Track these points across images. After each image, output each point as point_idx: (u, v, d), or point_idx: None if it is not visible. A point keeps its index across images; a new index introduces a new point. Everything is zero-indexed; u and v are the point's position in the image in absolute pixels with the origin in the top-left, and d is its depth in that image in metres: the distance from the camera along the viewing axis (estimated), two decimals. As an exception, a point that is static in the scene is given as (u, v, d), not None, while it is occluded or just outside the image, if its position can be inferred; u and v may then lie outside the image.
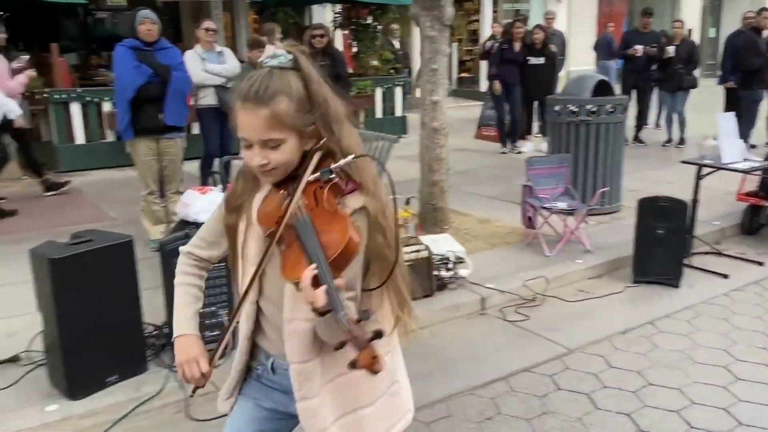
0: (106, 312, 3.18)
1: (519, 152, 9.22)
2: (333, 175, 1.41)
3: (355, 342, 1.23)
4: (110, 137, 8.54)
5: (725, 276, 4.88)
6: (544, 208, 5.22)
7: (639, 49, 9.60)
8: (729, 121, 5.20)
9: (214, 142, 6.91)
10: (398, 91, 10.32)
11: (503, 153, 9.33)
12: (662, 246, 4.70)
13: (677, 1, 19.96)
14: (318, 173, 1.41)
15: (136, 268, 3.31)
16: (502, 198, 6.81)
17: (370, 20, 10.80)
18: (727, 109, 9.62)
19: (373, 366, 1.23)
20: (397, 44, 12.31)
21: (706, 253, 5.35)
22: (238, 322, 1.60)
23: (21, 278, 4.75)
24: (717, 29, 21.34)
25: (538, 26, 9.23)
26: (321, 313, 1.29)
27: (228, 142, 7.15)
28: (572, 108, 5.96)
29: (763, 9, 9.00)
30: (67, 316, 3.04)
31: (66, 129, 8.28)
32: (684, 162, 5.32)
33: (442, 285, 4.37)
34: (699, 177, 5.20)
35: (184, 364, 1.61)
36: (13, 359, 3.49)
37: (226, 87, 6.77)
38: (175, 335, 1.66)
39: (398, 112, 10.33)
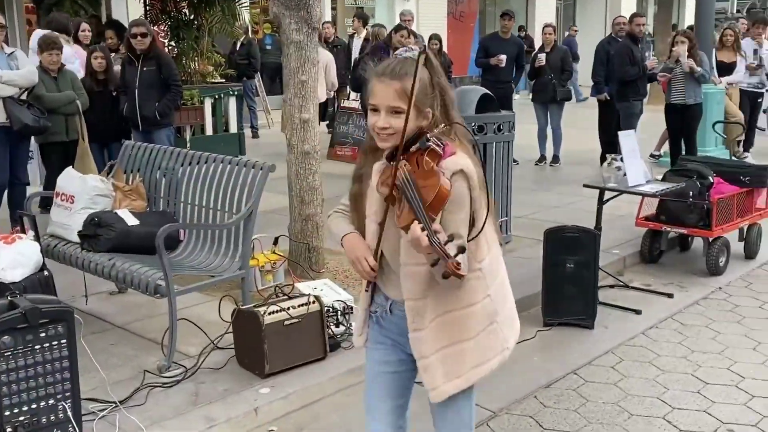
0: None
1: None
2: (429, 143, 2.13)
3: (444, 254, 1.93)
4: None
5: (638, 312, 5.27)
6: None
7: (503, 59, 10.10)
8: (630, 139, 5.66)
9: (3, 170, 6.32)
10: (232, 103, 10.10)
11: None
12: (572, 282, 4.98)
13: (532, 2, 21.64)
14: (418, 143, 2.15)
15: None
16: (377, 231, 6.85)
17: (190, 15, 10.45)
18: (601, 122, 10.53)
19: (456, 271, 1.95)
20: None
21: (611, 286, 5.75)
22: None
23: None
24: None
25: (408, 29, 9.50)
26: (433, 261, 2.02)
27: (19, 170, 6.58)
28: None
29: (636, 15, 9.98)
30: None
31: None
32: (587, 186, 5.70)
33: (335, 344, 4.28)
34: (601, 202, 5.60)
35: (356, 261, 2.33)
36: None
37: (21, 100, 6.23)
38: (341, 235, 2.39)
39: (233, 128, 10.10)
